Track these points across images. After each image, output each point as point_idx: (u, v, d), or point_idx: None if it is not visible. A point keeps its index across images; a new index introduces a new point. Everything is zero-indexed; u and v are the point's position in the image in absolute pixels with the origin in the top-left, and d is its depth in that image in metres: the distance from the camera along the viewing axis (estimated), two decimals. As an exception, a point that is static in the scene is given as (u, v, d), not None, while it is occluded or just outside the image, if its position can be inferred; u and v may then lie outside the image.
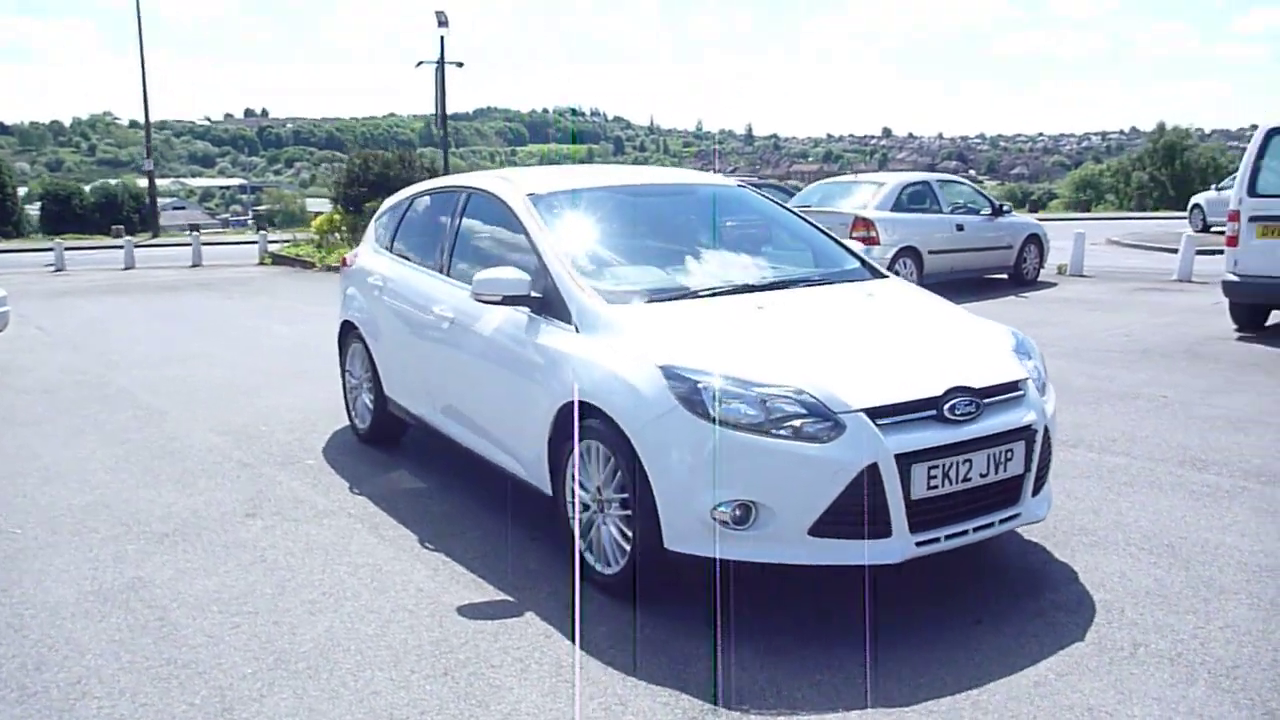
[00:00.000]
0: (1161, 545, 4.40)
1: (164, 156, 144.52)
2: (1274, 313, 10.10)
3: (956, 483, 3.64)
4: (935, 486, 3.59)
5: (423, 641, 3.67)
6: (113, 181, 60.78)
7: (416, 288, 5.46)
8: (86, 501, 5.37)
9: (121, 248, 24.44)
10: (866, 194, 13.48)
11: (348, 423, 6.84)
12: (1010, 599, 3.92)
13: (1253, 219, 9.38)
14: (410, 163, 22.70)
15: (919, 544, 3.58)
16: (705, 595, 3.87)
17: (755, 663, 3.44)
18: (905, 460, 3.51)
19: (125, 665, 3.54)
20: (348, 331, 6.46)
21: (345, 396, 6.64)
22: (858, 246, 5.33)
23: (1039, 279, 14.96)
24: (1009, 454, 3.78)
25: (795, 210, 5.67)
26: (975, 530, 3.74)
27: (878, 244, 12.42)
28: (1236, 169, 9.82)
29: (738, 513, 3.54)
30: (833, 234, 5.36)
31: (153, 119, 34.74)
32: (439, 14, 23.24)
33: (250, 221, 77.52)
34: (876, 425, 3.53)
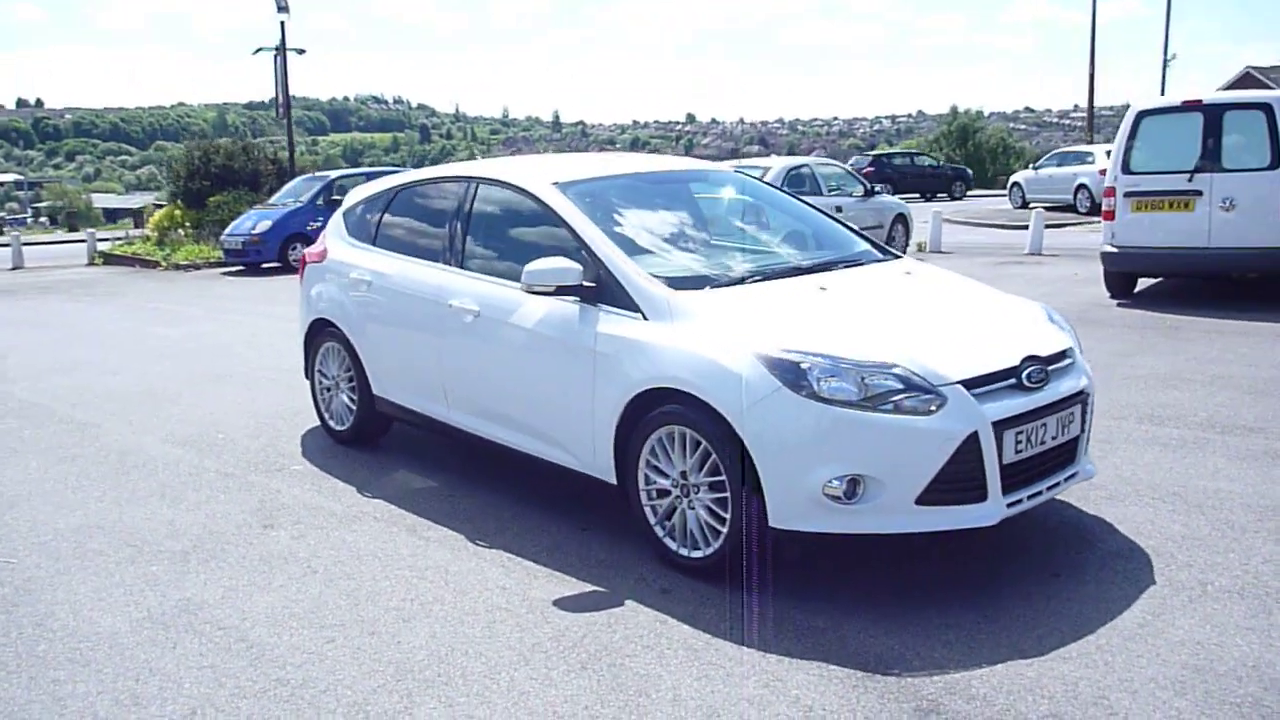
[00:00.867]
0: (1169, 494, 4.80)
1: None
2: (1140, 280, 11.02)
3: (1035, 446, 3.88)
4: (1021, 450, 3.81)
5: (540, 639, 3.62)
6: None
7: (422, 281, 5.29)
8: (73, 524, 4.96)
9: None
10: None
11: (309, 425, 6.57)
12: (1070, 552, 4.20)
13: (1127, 194, 10.20)
14: (254, 154, 21.63)
15: (1009, 505, 3.80)
16: (798, 572, 3.98)
17: (879, 630, 3.57)
18: (999, 427, 3.72)
19: (234, 691, 3.33)
20: (319, 330, 6.19)
21: (316, 398, 6.36)
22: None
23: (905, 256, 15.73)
24: (1071, 417, 4.06)
25: (792, 193, 5.83)
26: (1048, 490, 3.99)
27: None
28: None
29: (848, 487, 3.65)
30: (834, 216, 5.54)
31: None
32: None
33: (31, 220, 71.97)
34: (973, 395, 3.72)
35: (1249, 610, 3.62)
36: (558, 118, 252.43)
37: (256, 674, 3.44)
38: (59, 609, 4.01)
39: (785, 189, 13.70)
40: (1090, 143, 32.86)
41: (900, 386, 3.68)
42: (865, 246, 5.18)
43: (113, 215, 68.80)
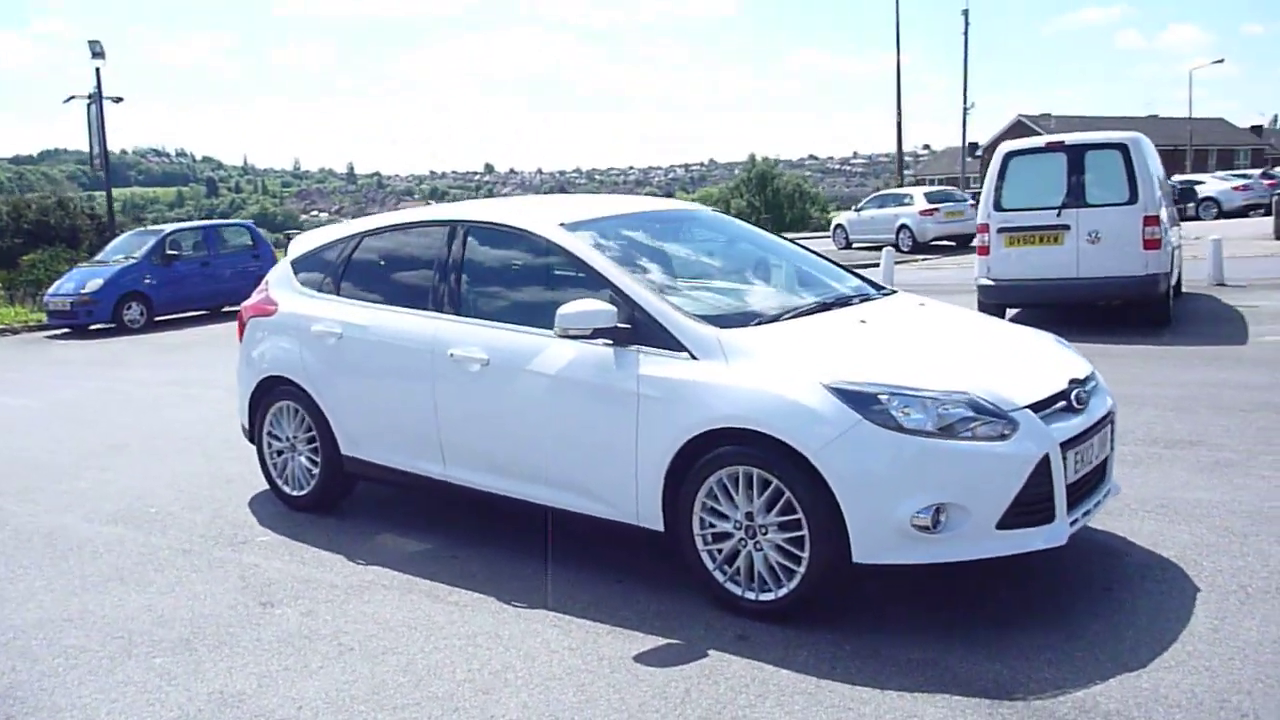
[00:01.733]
0: (1157, 507, 5.06)
1: None
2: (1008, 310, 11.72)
3: (1086, 464, 4.02)
4: (1078, 469, 3.94)
5: (644, 698, 3.44)
6: None
7: (408, 331, 5.00)
8: (32, 619, 4.38)
9: None
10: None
11: (250, 493, 6.09)
12: (1105, 568, 4.35)
13: (1000, 230, 10.85)
14: (71, 209, 20.10)
15: (1071, 524, 3.91)
16: (869, 607, 3.96)
17: (977, 657, 3.58)
18: (1064, 448, 3.83)
19: (334, 787, 3.00)
20: (268, 389, 5.74)
21: (266, 463, 5.87)
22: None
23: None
24: (1106, 436, 4.23)
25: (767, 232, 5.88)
26: (1094, 507, 4.13)
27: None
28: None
29: (934, 517, 3.66)
30: (818, 253, 5.62)
31: None
32: (93, 44, 20.69)
33: None
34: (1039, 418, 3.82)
35: (1298, 608, 3.85)
36: (352, 169, 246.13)
37: (349, 766, 3.11)
38: (69, 715, 3.51)
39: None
40: (901, 185, 34.96)
41: (972, 414, 3.74)
42: (859, 282, 5.26)
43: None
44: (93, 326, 16.68)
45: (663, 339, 4.19)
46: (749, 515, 3.95)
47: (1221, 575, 4.18)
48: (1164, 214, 10.47)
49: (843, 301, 4.72)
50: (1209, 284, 13.66)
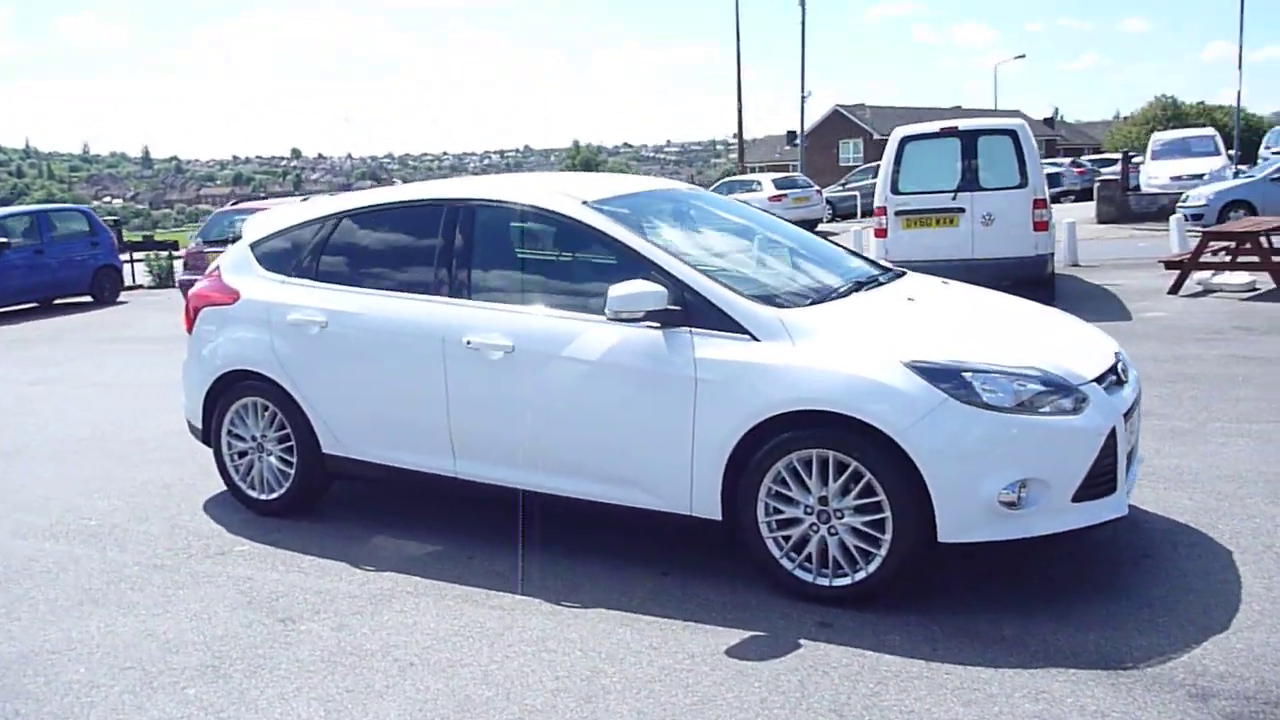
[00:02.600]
0: (1149, 475, 5.23)
1: None
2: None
3: (1134, 436, 4.13)
4: (1129, 441, 4.04)
5: (762, 692, 3.29)
6: None
7: (411, 319, 4.64)
8: (12, 652, 3.83)
9: None
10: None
11: (200, 498, 5.58)
12: (1132, 536, 4.49)
13: (898, 213, 11.16)
14: None
15: (1126, 494, 4.00)
16: (942, 586, 3.94)
17: (1070, 629, 3.61)
18: (1123, 420, 3.92)
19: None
20: (231, 384, 5.23)
21: (226, 466, 5.34)
22: None
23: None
24: (1139, 408, 4.36)
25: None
26: (1134, 477, 4.25)
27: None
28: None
29: (1020, 493, 3.67)
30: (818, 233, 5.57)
31: None
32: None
33: None
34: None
35: (1330, 564, 4.07)
36: (148, 153, 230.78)
37: (481, 793, 2.84)
38: (119, 763, 3.07)
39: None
40: (743, 172, 35.61)
41: (1045, 388, 3.77)
42: (861, 260, 5.23)
43: None
44: (-96, 322, 14.96)
45: (718, 321, 4.03)
46: (822, 499, 3.85)
47: (1241, 537, 4.38)
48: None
49: (873, 280, 4.68)
50: (1065, 265, 14.49)
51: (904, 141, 11.25)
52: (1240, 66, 28.25)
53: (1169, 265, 11.59)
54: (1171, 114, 62.50)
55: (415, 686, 3.45)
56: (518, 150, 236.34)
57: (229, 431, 5.31)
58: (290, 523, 5.14)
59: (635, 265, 4.23)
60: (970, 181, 10.82)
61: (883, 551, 3.78)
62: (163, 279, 20.95)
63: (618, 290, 4.02)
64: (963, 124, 11.29)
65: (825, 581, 3.91)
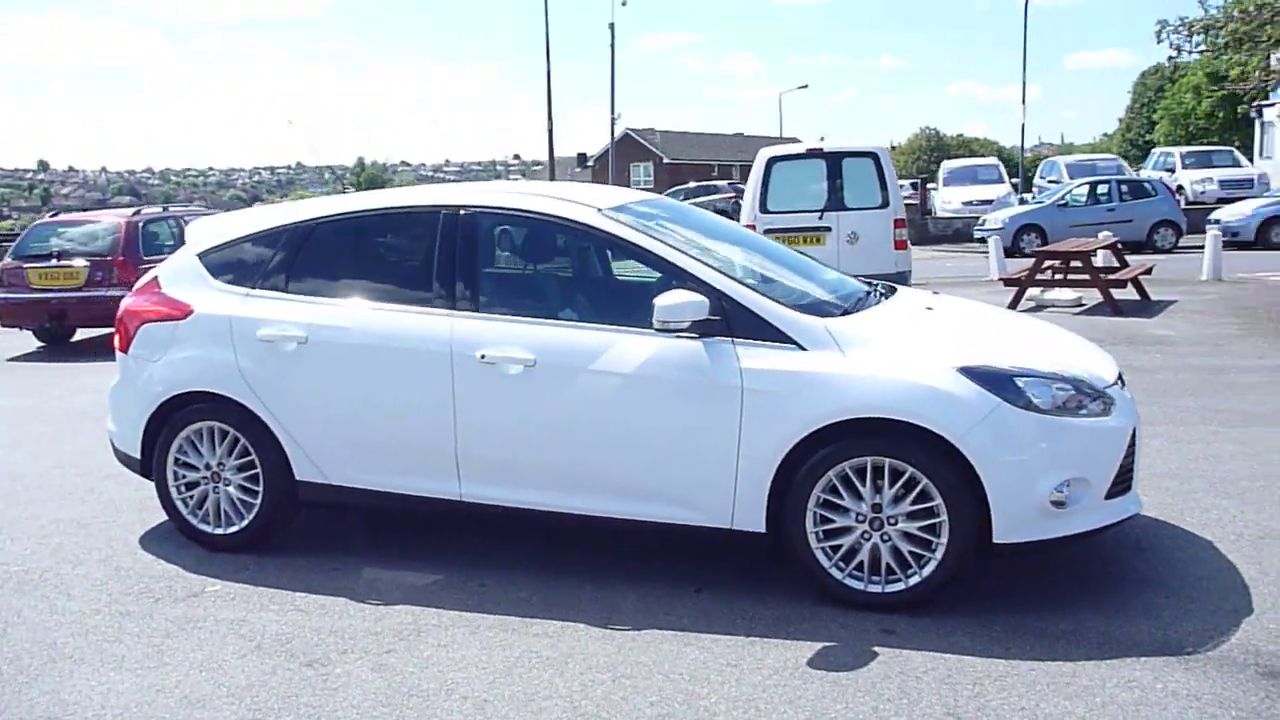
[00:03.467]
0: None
1: None
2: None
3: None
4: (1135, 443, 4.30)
5: (872, 701, 3.28)
6: None
7: (413, 333, 4.33)
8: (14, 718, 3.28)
9: None
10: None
11: (129, 535, 5.04)
12: (1118, 531, 4.75)
13: (766, 231, 11.43)
14: None
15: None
16: (975, 586, 4.05)
17: (1119, 620, 3.79)
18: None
19: None
20: (182, 408, 4.72)
21: (173, 499, 4.79)
22: None
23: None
24: (1130, 410, 4.65)
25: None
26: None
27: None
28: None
29: (1067, 492, 3.83)
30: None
31: None
32: None
33: None
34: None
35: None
36: None
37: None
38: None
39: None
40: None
41: (1074, 391, 3.96)
42: (836, 271, 5.31)
43: None
44: None
45: (761, 330, 4.00)
46: (875, 506, 3.88)
47: (1209, 528, 4.73)
48: (903, 217, 11.65)
49: (882, 292, 4.76)
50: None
51: (771, 162, 11.59)
52: (1024, 101, 30.91)
53: (1008, 282, 12.48)
54: (935, 144, 67.24)
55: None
56: (289, 167, 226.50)
57: (177, 460, 4.78)
58: (254, 558, 4.68)
59: (670, 275, 4.14)
60: (837, 201, 11.28)
61: (938, 555, 3.85)
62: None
63: (664, 300, 3.92)
64: (828, 146, 11.76)
65: (877, 588, 3.93)
